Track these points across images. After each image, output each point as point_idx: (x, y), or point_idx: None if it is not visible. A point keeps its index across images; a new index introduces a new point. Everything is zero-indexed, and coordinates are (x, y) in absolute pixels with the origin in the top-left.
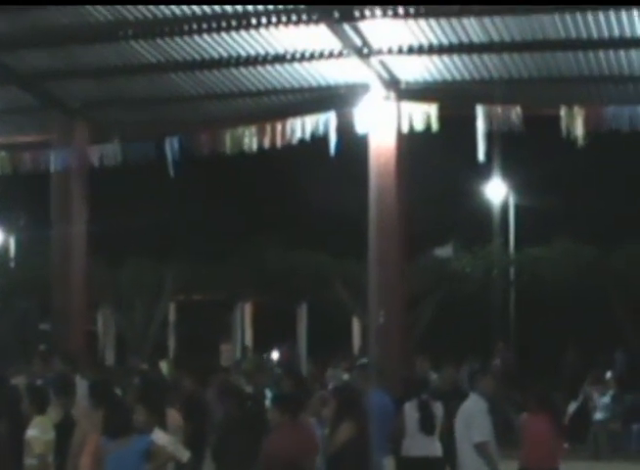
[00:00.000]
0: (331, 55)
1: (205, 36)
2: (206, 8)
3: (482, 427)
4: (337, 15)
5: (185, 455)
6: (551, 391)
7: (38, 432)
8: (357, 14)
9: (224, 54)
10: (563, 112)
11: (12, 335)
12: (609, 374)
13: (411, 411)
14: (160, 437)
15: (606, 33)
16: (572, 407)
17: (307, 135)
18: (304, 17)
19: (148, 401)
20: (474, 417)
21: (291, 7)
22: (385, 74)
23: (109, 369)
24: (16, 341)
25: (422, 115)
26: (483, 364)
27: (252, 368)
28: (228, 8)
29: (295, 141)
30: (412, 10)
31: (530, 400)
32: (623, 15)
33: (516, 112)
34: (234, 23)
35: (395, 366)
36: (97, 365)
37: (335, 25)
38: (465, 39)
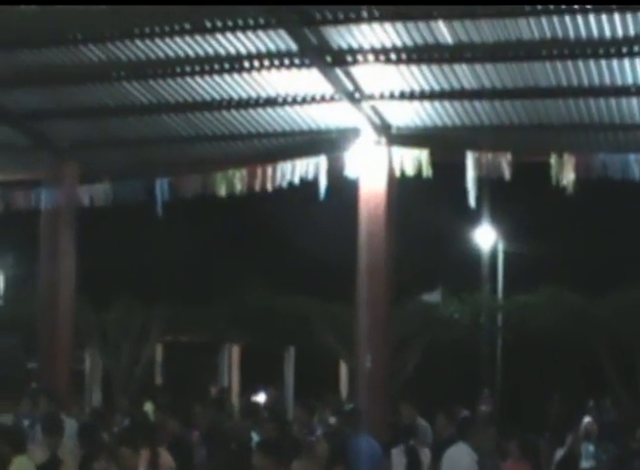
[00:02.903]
0: (322, 99)
1: (198, 78)
2: (199, 50)
3: None
4: (329, 59)
5: None
6: (537, 437)
7: None
8: (350, 59)
9: (216, 96)
10: (553, 159)
11: None
12: (588, 419)
13: (398, 457)
14: None
15: (597, 81)
16: (559, 454)
17: (297, 179)
18: (297, 61)
19: (132, 443)
20: None
21: (284, 51)
22: (376, 119)
23: (96, 411)
24: (2, 378)
25: (413, 160)
26: (472, 411)
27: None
28: (221, 50)
29: (285, 184)
30: (404, 55)
31: (514, 448)
32: (614, 63)
33: (506, 158)
34: (226, 65)
35: (381, 411)
36: (84, 407)
37: (327, 70)
38: (456, 85)
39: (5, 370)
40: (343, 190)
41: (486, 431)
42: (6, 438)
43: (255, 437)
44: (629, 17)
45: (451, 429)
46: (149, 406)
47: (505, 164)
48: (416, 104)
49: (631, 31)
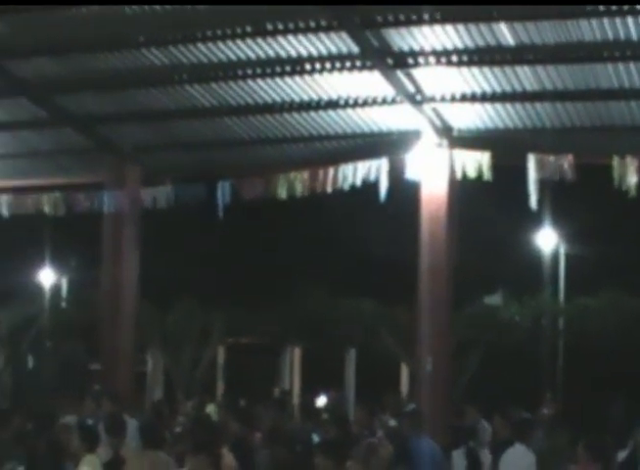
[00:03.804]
0: (384, 101)
1: (260, 81)
2: (261, 53)
3: None
4: (390, 62)
5: None
6: (603, 439)
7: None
8: (411, 61)
9: (278, 99)
10: (615, 161)
11: (62, 374)
12: None
13: (459, 459)
14: None
15: None
16: (621, 456)
17: (359, 181)
18: (358, 63)
19: (209, 450)
20: None
21: (345, 53)
22: (437, 122)
23: (156, 406)
24: (66, 380)
25: (474, 162)
26: (533, 414)
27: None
28: (282, 53)
29: (346, 187)
30: (465, 57)
31: (582, 451)
32: None
33: (568, 160)
34: (288, 68)
35: (441, 414)
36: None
37: (388, 72)
38: (518, 87)
39: (68, 372)
40: (404, 192)
41: (554, 433)
42: (82, 435)
43: (316, 438)
44: None
45: (508, 430)
46: (211, 408)
47: (567, 166)
48: (477, 106)
49: None
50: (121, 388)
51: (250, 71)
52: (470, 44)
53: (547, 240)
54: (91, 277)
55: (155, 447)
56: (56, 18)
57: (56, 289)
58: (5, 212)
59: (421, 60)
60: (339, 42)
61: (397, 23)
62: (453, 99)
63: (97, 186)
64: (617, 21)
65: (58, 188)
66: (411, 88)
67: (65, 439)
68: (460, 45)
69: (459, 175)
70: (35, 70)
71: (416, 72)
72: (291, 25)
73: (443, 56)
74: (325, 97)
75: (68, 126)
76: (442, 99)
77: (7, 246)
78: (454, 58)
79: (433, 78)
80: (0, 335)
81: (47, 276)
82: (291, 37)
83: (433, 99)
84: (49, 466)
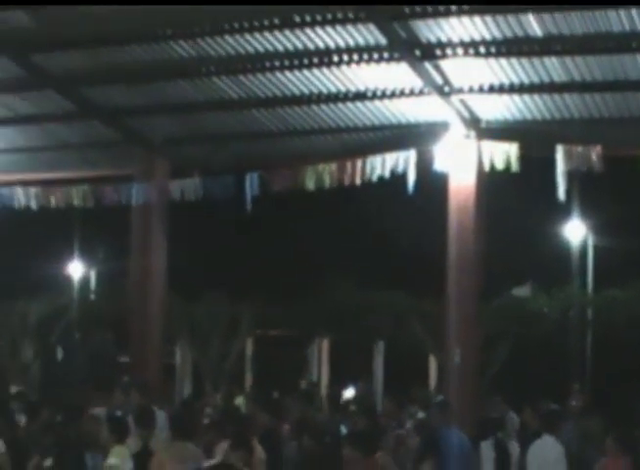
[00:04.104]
0: (412, 93)
1: (287, 73)
2: (289, 44)
3: None
4: (418, 53)
5: None
6: (632, 431)
7: (118, 461)
8: (439, 52)
9: (305, 91)
10: None
11: (91, 366)
12: None
13: (487, 451)
14: None
15: None
16: None
17: (387, 173)
18: (386, 55)
19: (244, 446)
20: (549, 465)
21: (373, 45)
22: (465, 113)
23: (185, 401)
24: (95, 372)
25: (502, 154)
26: (562, 405)
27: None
28: (310, 45)
29: (374, 178)
30: (493, 49)
31: (611, 444)
32: None
33: (596, 151)
34: (316, 60)
35: (470, 406)
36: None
37: (416, 64)
38: (546, 79)
39: (98, 364)
40: (432, 184)
41: (583, 425)
42: (111, 426)
43: (344, 429)
44: None
45: (537, 422)
46: (240, 400)
47: (595, 157)
48: (505, 97)
49: None
50: (150, 379)
51: (277, 63)
52: (497, 35)
53: (575, 231)
54: (120, 269)
55: (184, 439)
56: (84, 11)
57: (85, 281)
58: (34, 205)
59: (449, 51)
60: (366, 34)
61: (425, 15)
62: (481, 90)
63: (125, 178)
64: None
65: (86, 181)
66: (439, 80)
67: (94, 430)
68: (488, 36)
69: (487, 167)
70: (63, 63)
71: (444, 64)
72: (318, 17)
73: (471, 47)
74: (353, 89)
75: (97, 119)
76: (470, 90)
77: (36, 238)
78: (482, 49)
79: (460, 70)
80: (29, 327)
81: (76, 268)
82: (318, 29)
83: (460, 90)
84: (78, 458)
